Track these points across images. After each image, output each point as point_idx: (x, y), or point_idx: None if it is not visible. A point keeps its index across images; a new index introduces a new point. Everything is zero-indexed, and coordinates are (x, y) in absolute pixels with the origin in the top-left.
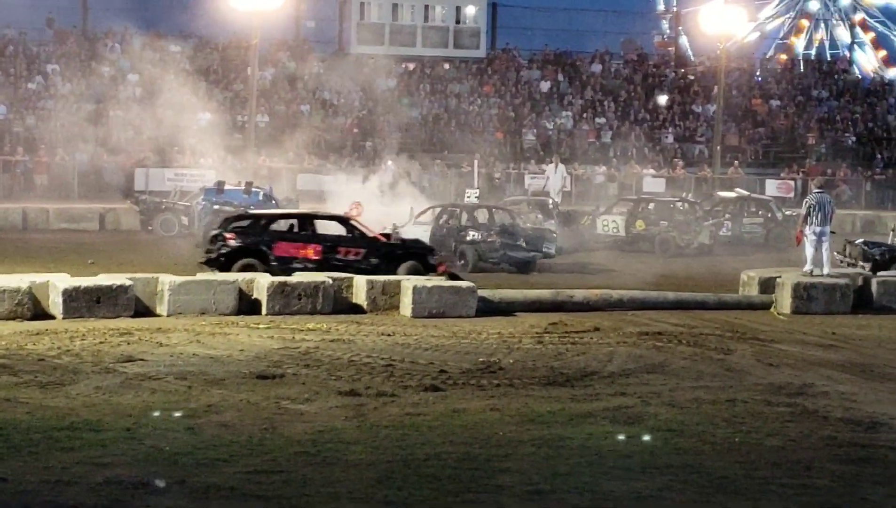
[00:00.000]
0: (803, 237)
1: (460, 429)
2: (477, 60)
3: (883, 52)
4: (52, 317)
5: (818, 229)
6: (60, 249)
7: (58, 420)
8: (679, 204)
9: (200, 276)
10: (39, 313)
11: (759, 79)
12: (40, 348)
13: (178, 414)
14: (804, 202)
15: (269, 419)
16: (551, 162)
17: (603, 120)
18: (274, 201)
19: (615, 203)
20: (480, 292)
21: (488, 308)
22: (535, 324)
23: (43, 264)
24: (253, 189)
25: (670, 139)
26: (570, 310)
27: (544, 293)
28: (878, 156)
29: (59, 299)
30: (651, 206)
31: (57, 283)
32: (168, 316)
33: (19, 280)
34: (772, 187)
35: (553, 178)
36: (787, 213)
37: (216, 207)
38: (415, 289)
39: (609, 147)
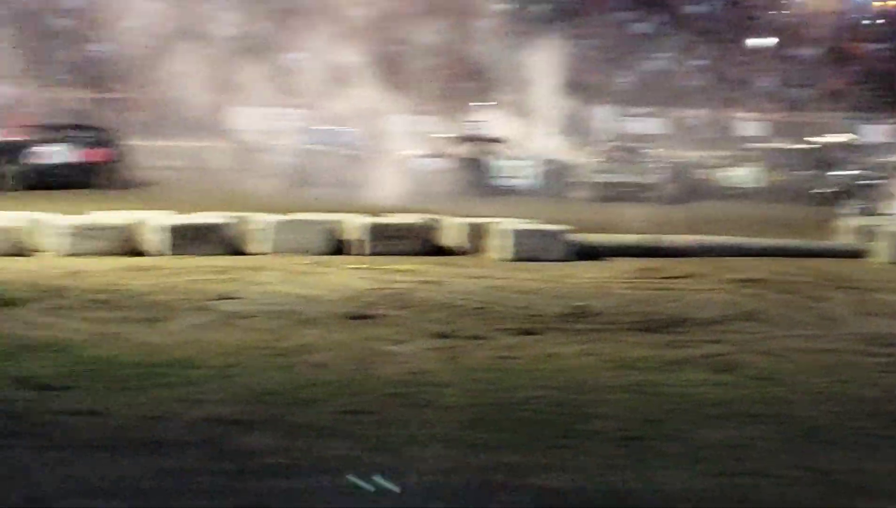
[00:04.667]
0: None
1: (553, 373)
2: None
3: None
4: (154, 254)
5: None
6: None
7: (153, 356)
8: (811, 151)
9: (296, 215)
10: (141, 249)
11: (863, 21)
12: (139, 284)
13: (271, 353)
14: None
15: (361, 360)
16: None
17: (700, 62)
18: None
19: (741, 153)
20: (573, 236)
21: (581, 252)
22: (628, 269)
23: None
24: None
25: (767, 83)
26: (664, 255)
27: (638, 238)
28: None
29: (159, 237)
30: (784, 155)
31: (158, 220)
32: (264, 255)
33: (122, 217)
34: (873, 132)
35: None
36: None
37: (309, 146)
38: (507, 232)
39: (706, 90)
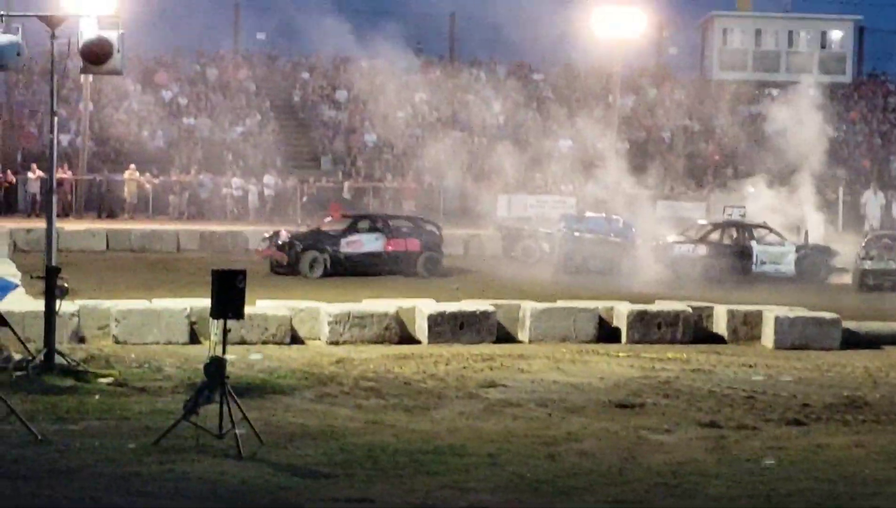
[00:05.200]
0: None
1: (824, 465)
2: (843, 86)
3: None
4: (418, 341)
5: None
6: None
7: (422, 444)
8: None
9: (561, 303)
10: (406, 336)
11: None
12: (406, 371)
13: (538, 442)
14: None
15: (628, 449)
16: (869, 189)
17: None
18: (633, 229)
19: None
20: (845, 324)
21: (853, 340)
22: None
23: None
24: (613, 216)
25: None
26: None
27: None
28: None
29: (425, 324)
30: None
31: (423, 308)
32: (529, 342)
33: (387, 305)
34: None
35: (871, 205)
36: None
37: (577, 234)
38: (777, 319)
39: None
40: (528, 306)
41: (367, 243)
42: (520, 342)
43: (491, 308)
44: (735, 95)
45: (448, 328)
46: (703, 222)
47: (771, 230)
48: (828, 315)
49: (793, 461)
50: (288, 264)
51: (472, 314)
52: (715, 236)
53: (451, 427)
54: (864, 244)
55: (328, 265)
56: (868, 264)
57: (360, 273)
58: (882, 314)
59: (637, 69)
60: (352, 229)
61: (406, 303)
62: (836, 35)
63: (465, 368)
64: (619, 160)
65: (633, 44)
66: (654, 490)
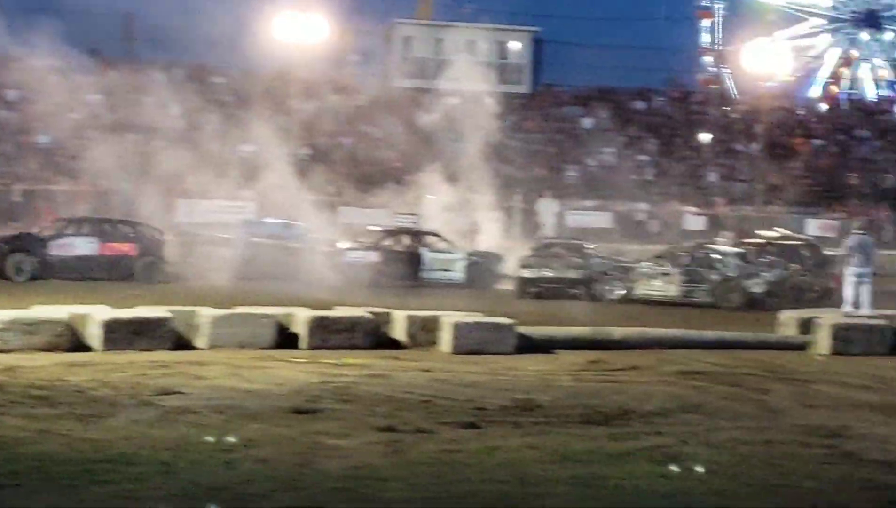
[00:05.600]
0: (843, 278)
1: (497, 467)
2: (520, 96)
3: None
4: (91, 349)
5: (858, 269)
6: (96, 280)
7: (94, 453)
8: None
9: (239, 309)
10: (78, 344)
11: (802, 118)
12: (79, 379)
13: (214, 449)
14: (845, 244)
15: (306, 455)
16: (543, 197)
17: (645, 157)
18: (312, 235)
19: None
20: (519, 329)
21: (527, 345)
22: (573, 361)
23: (79, 294)
24: (292, 222)
25: (712, 177)
26: (609, 348)
27: (584, 331)
28: None
29: (99, 331)
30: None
31: (96, 314)
32: (207, 349)
33: (58, 311)
34: (813, 227)
35: (545, 213)
36: (827, 253)
37: (255, 239)
38: (455, 325)
39: (651, 184)
40: (206, 313)
41: (79, 246)
42: (197, 348)
43: (168, 314)
44: (416, 102)
45: (123, 334)
46: (375, 228)
47: (441, 238)
48: (503, 321)
49: (467, 463)
50: None
51: (148, 321)
52: (387, 242)
53: (125, 436)
54: (527, 252)
55: (36, 269)
56: (525, 272)
57: (73, 278)
58: (555, 320)
59: (318, 75)
60: (63, 232)
61: (79, 309)
62: (514, 46)
63: (140, 375)
64: (300, 166)
65: (314, 49)
66: (331, 494)
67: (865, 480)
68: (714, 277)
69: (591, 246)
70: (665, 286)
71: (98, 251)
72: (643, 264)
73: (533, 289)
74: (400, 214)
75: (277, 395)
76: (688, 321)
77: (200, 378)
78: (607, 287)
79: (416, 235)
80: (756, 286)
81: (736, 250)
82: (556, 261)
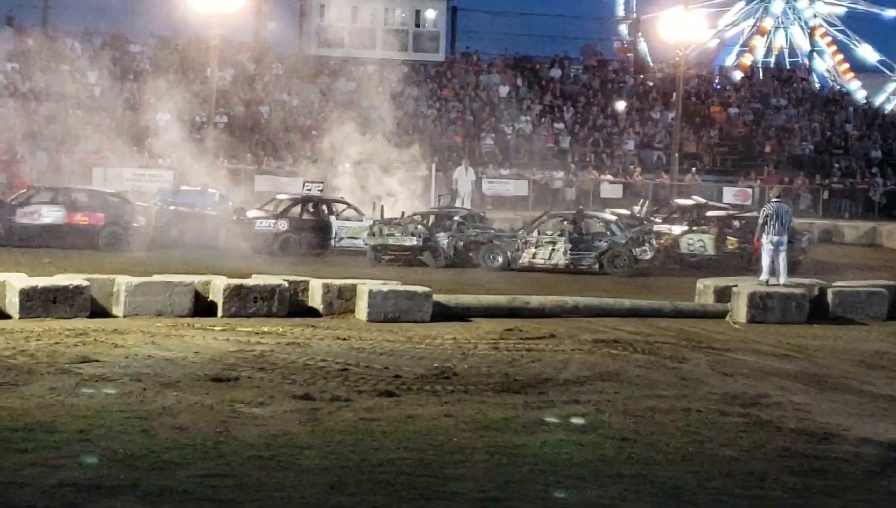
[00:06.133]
0: (760, 246)
1: (414, 435)
2: (436, 64)
3: (842, 61)
4: (8, 317)
5: (775, 238)
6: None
7: (11, 421)
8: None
9: (157, 277)
10: None
11: (718, 86)
12: None
13: (132, 416)
14: (761, 211)
15: (223, 423)
16: (460, 165)
17: (561, 125)
18: (230, 203)
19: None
20: (436, 297)
21: (444, 313)
22: (490, 330)
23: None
24: (209, 190)
25: (629, 145)
26: (526, 316)
27: (500, 299)
28: (836, 165)
29: (16, 299)
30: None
31: (13, 282)
32: (124, 317)
33: None
34: (729, 195)
35: (462, 181)
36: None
37: (172, 207)
38: (370, 293)
39: (567, 153)
40: (123, 281)
41: (45, 214)
42: (115, 316)
43: (84, 282)
44: (332, 70)
45: (40, 302)
46: (283, 196)
47: (350, 206)
48: (419, 289)
49: (384, 431)
50: None
51: (65, 289)
52: (295, 211)
53: (42, 404)
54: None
55: (2, 235)
56: (370, 240)
57: (39, 245)
58: (472, 289)
59: (236, 43)
60: (30, 199)
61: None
62: (430, 14)
63: (57, 343)
64: (218, 134)
65: (231, 17)
66: (248, 462)
67: (782, 448)
68: (602, 244)
69: (472, 215)
70: (551, 254)
71: (64, 220)
72: (522, 232)
73: (376, 256)
74: (308, 182)
75: (194, 363)
76: (605, 290)
77: (117, 346)
78: (490, 256)
79: (324, 203)
80: (643, 254)
81: (615, 217)
82: (398, 229)
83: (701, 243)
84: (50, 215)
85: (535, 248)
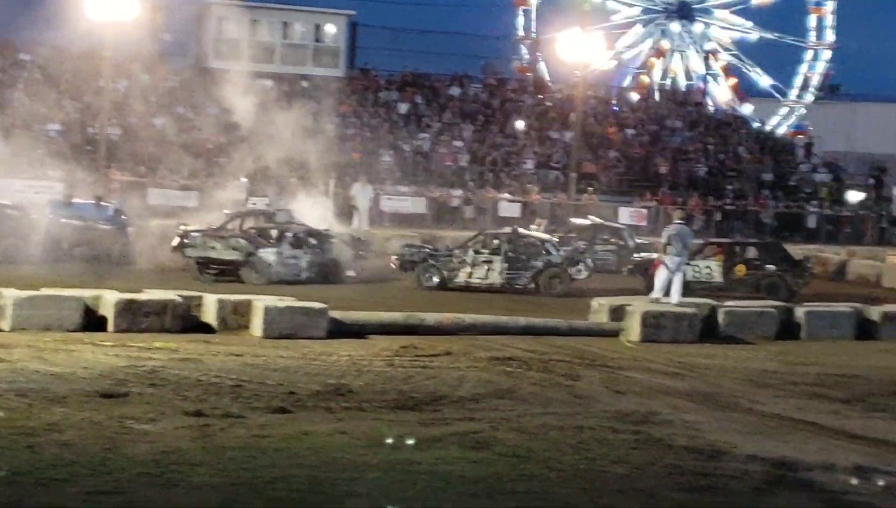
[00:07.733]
0: (660, 266)
1: (307, 452)
2: (336, 79)
3: (735, 84)
4: None
5: (676, 258)
6: None
7: None
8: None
9: (45, 290)
10: None
11: (616, 107)
12: None
13: (17, 433)
14: (665, 232)
15: (111, 439)
16: (358, 181)
17: (460, 143)
18: (124, 217)
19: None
20: (331, 314)
21: (339, 330)
22: (385, 347)
23: None
24: (102, 203)
25: (527, 165)
26: (422, 333)
27: (396, 316)
28: (729, 187)
29: None
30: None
31: None
32: (11, 331)
33: None
34: (625, 215)
35: (361, 198)
36: (639, 241)
37: (63, 220)
38: (266, 309)
39: (466, 171)
40: (10, 294)
41: None
42: (1, 330)
43: None
44: (229, 84)
45: None
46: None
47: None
48: (316, 305)
49: (277, 448)
50: None
51: None
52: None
53: None
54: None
55: None
56: (189, 251)
57: None
58: (368, 306)
59: (130, 54)
60: None
61: None
62: (330, 29)
63: None
64: (111, 146)
65: (125, 28)
66: (137, 479)
67: (672, 465)
68: (538, 263)
69: (340, 232)
70: (487, 274)
71: None
72: (457, 251)
73: (209, 271)
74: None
75: (83, 379)
76: (503, 308)
77: (3, 361)
78: (426, 275)
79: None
80: (578, 273)
81: (549, 236)
82: (221, 241)
83: (708, 269)
84: None
85: (472, 267)
